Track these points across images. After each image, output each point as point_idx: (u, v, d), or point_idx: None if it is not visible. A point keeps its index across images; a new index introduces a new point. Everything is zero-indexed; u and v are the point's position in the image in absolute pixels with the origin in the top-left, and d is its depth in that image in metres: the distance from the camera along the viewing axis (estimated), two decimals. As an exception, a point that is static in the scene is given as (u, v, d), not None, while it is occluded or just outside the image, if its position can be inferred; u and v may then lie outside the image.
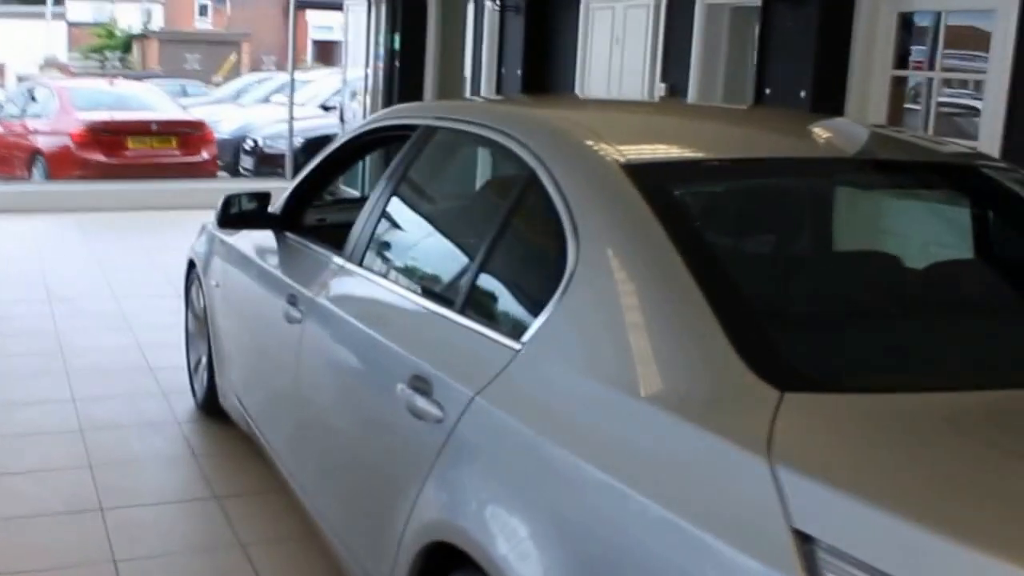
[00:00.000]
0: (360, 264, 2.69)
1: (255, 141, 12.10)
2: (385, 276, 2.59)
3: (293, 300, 2.94)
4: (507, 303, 2.14)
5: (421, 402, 2.12)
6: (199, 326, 4.29)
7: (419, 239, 2.68)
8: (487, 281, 2.20)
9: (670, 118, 2.61)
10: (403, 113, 3.07)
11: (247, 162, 12.10)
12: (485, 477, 1.88)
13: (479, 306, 2.17)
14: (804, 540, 1.33)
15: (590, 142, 2.16)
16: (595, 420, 1.70)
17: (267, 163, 11.66)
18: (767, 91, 5.60)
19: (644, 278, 1.80)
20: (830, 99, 5.17)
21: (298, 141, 10.55)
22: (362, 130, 3.14)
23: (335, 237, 3.07)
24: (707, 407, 1.58)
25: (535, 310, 1.96)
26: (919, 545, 1.24)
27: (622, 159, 2.04)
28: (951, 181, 2.31)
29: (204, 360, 4.17)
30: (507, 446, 1.85)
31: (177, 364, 4.68)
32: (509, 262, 2.21)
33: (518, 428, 1.83)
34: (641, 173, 2.00)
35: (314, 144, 10.04)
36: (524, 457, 1.80)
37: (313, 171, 3.35)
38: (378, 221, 2.71)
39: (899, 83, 5.10)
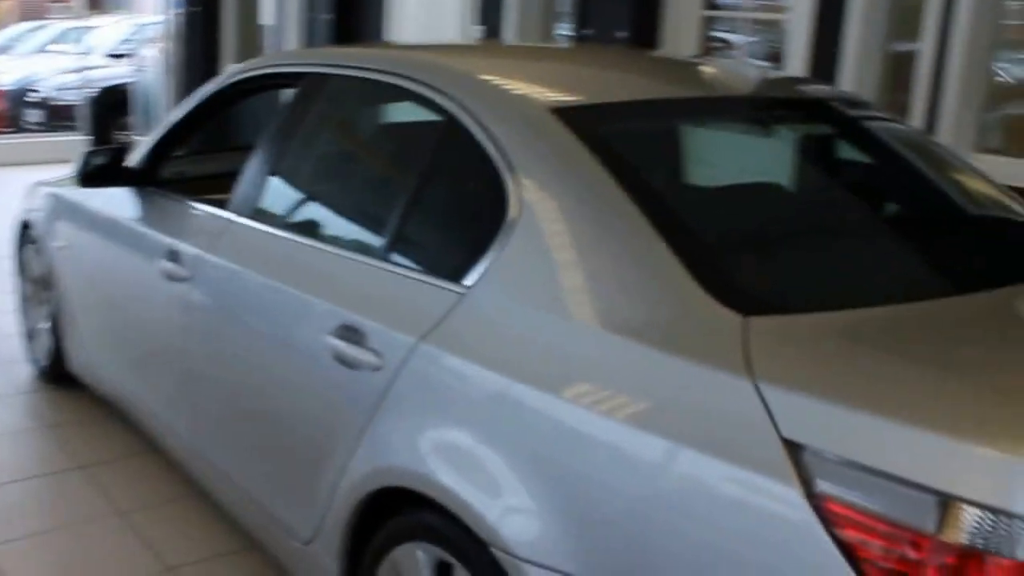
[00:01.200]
0: (258, 217, 2.60)
1: (41, 93, 11.24)
2: (291, 228, 2.52)
3: (175, 257, 2.81)
4: (440, 248, 2.14)
5: (353, 351, 2.10)
6: (36, 291, 4.02)
7: (325, 190, 2.61)
8: (415, 228, 2.18)
9: (566, 64, 2.64)
10: (283, 60, 2.96)
11: (33, 115, 11.22)
12: (443, 420, 1.89)
13: (408, 253, 2.16)
14: (793, 448, 1.44)
15: (514, 89, 2.18)
16: (563, 355, 1.74)
17: (57, 116, 10.86)
18: (587, 31, 5.77)
19: (594, 215, 1.85)
20: (647, 38, 5.42)
21: (91, 91, 9.88)
22: (232, 79, 3.01)
23: (212, 190, 2.95)
24: (676, 335, 1.65)
25: (475, 253, 1.97)
26: (895, 437, 1.37)
27: (548, 103, 2.09)
28: (830, 115, 2.49)
29: (46, 325, 3.92)
30: (465, 388, 1.86)
31: (7, 331, 4.37)
32: (437, 208, 2.21)
33: (477, 370, 1.84)
34: (569, 115, 2.05)
35: (110, 94, 9.45)
36: (486, 396, 1.82)
37: (177, 123, 3.18)
38: (273, 173, 2.63)
39: (710, 22, 5.35)
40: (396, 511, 2.08)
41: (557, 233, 1.87)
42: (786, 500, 1.42)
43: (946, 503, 1.33)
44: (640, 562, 1.57)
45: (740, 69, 2.56)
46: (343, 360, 2.14)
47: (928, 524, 1.33)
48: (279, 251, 2.48)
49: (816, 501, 1.40)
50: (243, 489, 2.62)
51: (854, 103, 2.59)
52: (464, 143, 2.11)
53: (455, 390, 1.88)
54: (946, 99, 3.78)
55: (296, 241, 2.46)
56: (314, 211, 2.54)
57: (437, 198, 2.21)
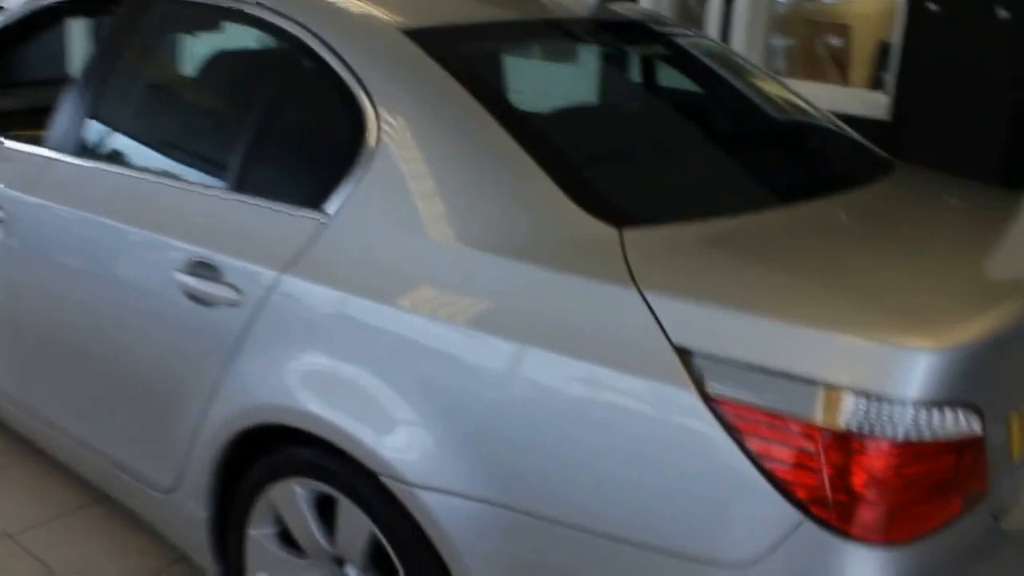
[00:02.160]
0: (84, 154, 2.40)
1: None
2: (123, 164, 2.34)
3: None
4: (297, 177, 2.04)
5: (207, 287, 2.00)
6: None
7: (159, 121, 2.43)
8: (266, 158, 2.07)
9: None
10: None
11: None
12: (315, 352, 1.83)
13: (261, 184, 2.05)
14: (683, 353, 1.47)
15: (361, 11, 2.09)
16: (440, 278, 1.71)
17: None
18: None
19: (459, 135, 1.81)
20: None
21: None
22: (37, 6, 2.73)
23: (17, 127, 2.70)
24: (555, 250, 1.65)
25: (335, 180, 1.90)
26: (776, 334, 1.43)
27: (398, 25, 2.02)
28: (655, 36, 2.53)
29: None
30: (336, 317, 1.80)
31: None
32: (290, 137, 2.10)
33: (347, 298, 1.79)
34: (421, 37, 1.99)
35: None
36: (358, 325, 1.77)
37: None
38: (98, 105, 2.42)
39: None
40: (268, 449, 2.01)
41: (422, 155, 1.82)
42: (682, 404, 1.46)
43: (828, 392, 1.40)
44: (537, 476, 1.58)
45: None
46: (195, 298, 2.03)
47: (814, 414, 1.40)
48: (110, 188, 2.30)
49: (710, 403, 1.45)
50: (88, 443, 2.47)
51: (670, 24, 2.65)
52: (314, 68, 2.02)
53: (325, 321, 1.82)
54: (734, 28, 4.01)
55: (130, 176, 2.29)
56: (148, 144, 2.37)
57: (289, 126, 2.10)
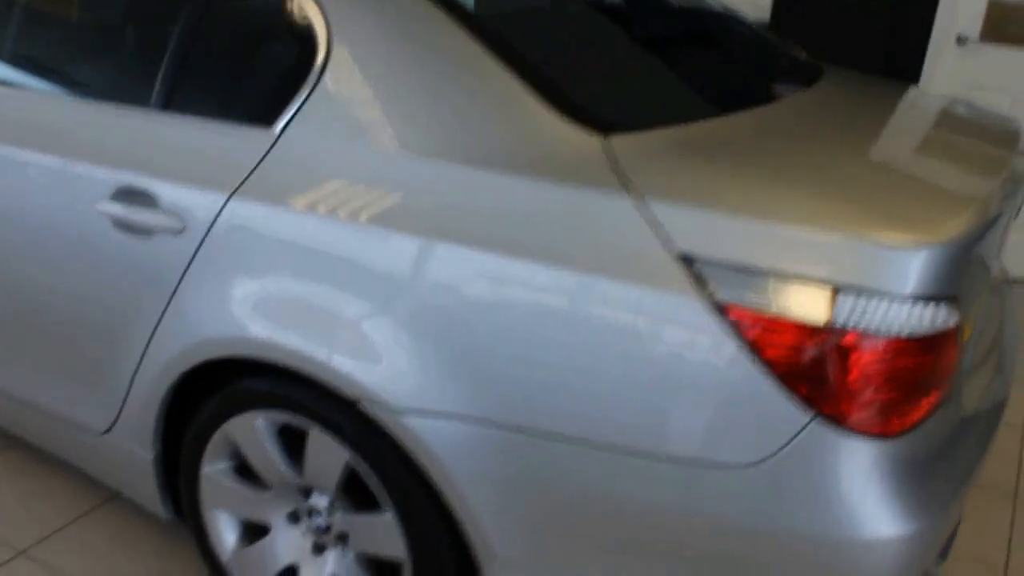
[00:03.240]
0: None
1: None
2: (19, 84, 2.13)
3: None
4: (234, 91, 1.89)
5: (143, 216, 1.87)
6: None
7: (65, 34, 2.20)
8: (198, 71, 1.91)
9: None
10: None
11: None
12: (275, 278, 1.73)
13: (193, 100, 1.90)
14: (687, 260, 1.47)
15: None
16: (408, 192, 1.64)
17: None
18: None
19: (422, 42, 1.72)
20: None
21: None
22: None
23: None
24: (542, 161, 1.59)
25: (280, 93, 1.79)
26: (777, 237, 1.44)
27: None
28: None
29: None
30: (296, 240, 1.71)
31: None
32: (224, 44, 1.94)
33: (306, 219, 1.70)
34: None
35: None
36: (321, 245, 1.68)
37: None
38: None
39: None
40: (218, 384, 1.93)
41: (382, 63, 1.72)
42: (685, 310, 1.46)
43: (830, 292, 1.42)
44: (531, 392, 1.56)
45: None
46: (128, 228, 1.89)
47: (817, 314, 1.43)
48: (7, 113, 2.10)
49: (714, 308, 1.45)
50: (9, 393, 2.30)
51: None
52: None
53: (283, 244, 1.72)
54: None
55: (32, 98, 2.09)
56: (53, 60, 2.15)
57: (225, 34, 1.94)
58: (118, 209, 1.90)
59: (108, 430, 2.10)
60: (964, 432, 1.73)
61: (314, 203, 1.70)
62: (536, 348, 1.54)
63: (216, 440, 1.93)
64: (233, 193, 1.78)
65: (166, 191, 1.85)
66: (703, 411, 1.47)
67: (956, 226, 1.47)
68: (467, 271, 1.58)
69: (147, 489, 2.11)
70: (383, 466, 1.71)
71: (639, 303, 1.48)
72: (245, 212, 1.76)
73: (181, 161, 1.85)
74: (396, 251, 1.62)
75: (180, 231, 1.83)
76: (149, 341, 1.92)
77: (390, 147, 1.67)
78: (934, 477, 1.57)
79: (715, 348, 1.46)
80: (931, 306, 1.44)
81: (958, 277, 1.48)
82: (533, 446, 1.57)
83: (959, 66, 4.07)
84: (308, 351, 1.68)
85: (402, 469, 1.69)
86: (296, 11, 1.82)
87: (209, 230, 1.80)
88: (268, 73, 1.84)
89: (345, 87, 1.74)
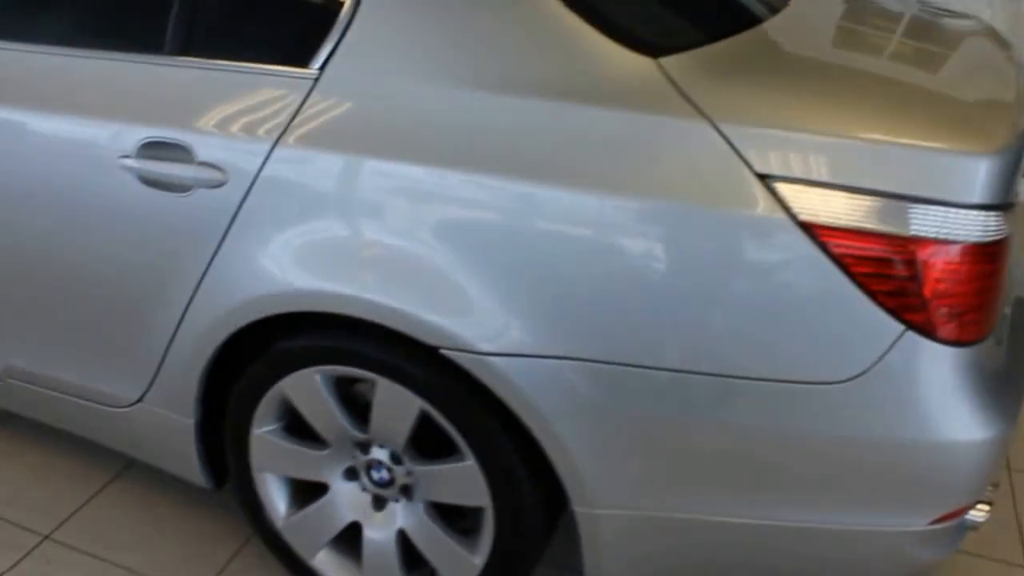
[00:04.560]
0: None
1: None
2: (19, 39, 1.97)
3: None
4: (263, 31, 1.77)
5: (175, 169, 1.76)
6: None
7: None
8: (216, 13, 1.79)
9: None
10: None
11: None
12: (335, 227, 1.64)
13: (216, 44, 1.78)
14: (767, 180, 1.45)
15: None
16: (470, 128, 1.57)
17: None
18: None
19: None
20: None
21: None
22: None
23: None
24: (596, 87, 1.54)
25: (315, 30, 1.69)
26: (853, 153, 1.43)
27: None
28: None
29: None
30: (356, 185, 1.62)
31: None
32: None
33: (366, 162, 1.61)
34: None
35: None
36: (388, 190, 1.61)
37: None
38: None
39: None
40: (266, 342, 1.84)
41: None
42: (773, 231, 1.44)
43: (912, 204, 1.43)
44: (621, 324, 1.52)
45: None
46: (159, 184, 1.78)
47: (902, 227, 1.43)
48: (13, 72, 1.94)
49: (801, 227, 1.45)
50: (25, 373, 2.16)
51: None
52: None
53: (343, 191, 1.64)
54: None
55: (36, 53, 1.93)
56: (57, 11, 1.99)
57: None
58: (145, 164, 1.78)
59: (139, 400, 1.99)
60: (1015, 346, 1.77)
61: (372, 145, 1.62)
62: (617, 280, 1.51)
63: (268, 400, 1.85)
64: (279, 139, 1.68)
65: (202, 142, 1.74)
66: (800, 331, 1.47)
67: (1004, 135, 1.49)
68: (549, 209, 1.53)
69: (185, 458, 2.02)
70: (463, 413, 1.66)
71: (727, 227, 1.46)
72: (290, 158, 1.67)
73: (214, 108, 1.75)
74: (471, 192, 1.56)
75: (220, 184, 1.74)
76: (189, 303, 1.82)
77: (442, 80, 1.60)
78: (1007, 385, 1.61)
79: (806, 267, 1.45)
80: (994, 214, 1.46)
81: (1012, 185, 1.51)
82: (630, 380, 1.55)
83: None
84: (383, 301, 1.62)
85: (485, 414, 1.65)
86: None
87: (255, 181, 1.71)
88: (297, 6, 1.74)
89: (385, 18, 1.65)
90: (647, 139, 1.50)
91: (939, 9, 2.32)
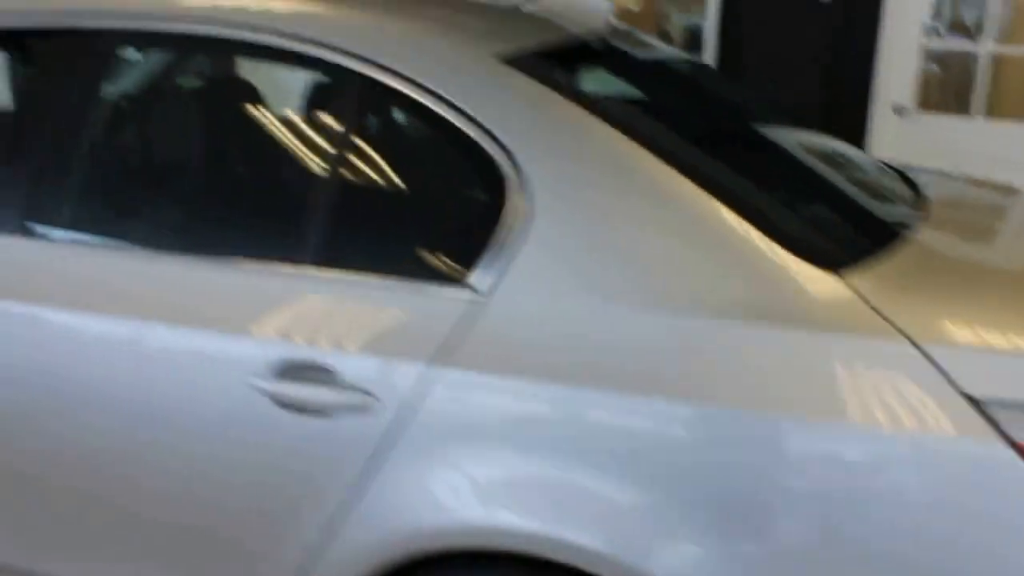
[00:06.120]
0: (48, 229, 1.87)
1: None
2: (130, 241, 1.84)
3: None
4: (408, 243, 1.71)
5: (317, 393, 1.65)
6: None
7: (190, 186, 1.90)
8: (359, 223, 1.72)
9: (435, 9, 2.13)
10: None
11: None
12: (506, 456, 1.55)
13: (356, 257, 1.69)
14: (975, 403, 1.42)
15: (441, 38, 1.78)
16: (656, 351, 1.51)
17: None
18: None
19: (631, 184, 1.61)
20: None
21: None
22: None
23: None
24: (790, 308, 1.51)
25: (473, 247, 1.63)
26: None
27: (497, 56, 1.75)
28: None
29: None
30: (533, 411, 1.55)
31: None
32: (388, 195, 1.76)
33: (542, 388, 1.54)
34: (524, 64, 1.74)
35: None
36: (566, 417, 1.53)
37: None
38: (70, 164, 1.86)
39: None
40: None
41: (591, 208, 1.59)
42: (994, 460, 1.41)
43: None
44: (836, 565, 1.46)
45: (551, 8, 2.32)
46: (296, 407, 1.67)
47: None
48: (122, 274, 1.80)
49: (1016, 449, 1.41)
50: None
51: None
52: (405, 109, 1.72)
53: (511, 416, 1.55)
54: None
55: (152, 257, 1.79)
56: (178, 214, 1.86)
57: (390, 184, 1.76)
58: (280, 386, 1.67)
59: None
60: None
61: (545, 368, 1.55)
62: (826, 517, 1.44)
63: None
64: (438, 362, 1.60)
65: (349, 364, 1.64)
66: (1016, 551, 1.42)
67: None
68: (742, 436, 1.47)
69: None
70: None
71: (936, 455, 1.42)
72: (457, 382, 1.59)
73: (362, 327, 1.65)
74: (656, 419, 1.50)
75: (367, 409, 1.63)
76: (323, 534, 1.69)
77: (617, 302, 1.55)
78: None
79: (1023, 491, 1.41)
80: None
81: None
82: None
83: (900, 135, 4.29)
84: (573, 539, 1.52)
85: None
86: (473, 149, 1.67)
87: (409, 406, 1.61)
88: (450, 222, 1.69)
89: (559, 238, 1.60)
90: (841, 361, 1.46)
91: None
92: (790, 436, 1.46)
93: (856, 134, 4.30)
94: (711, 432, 1.48)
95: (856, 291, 1.52)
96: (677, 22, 4.62)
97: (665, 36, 4.64)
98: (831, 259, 1.58)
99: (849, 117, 4.29)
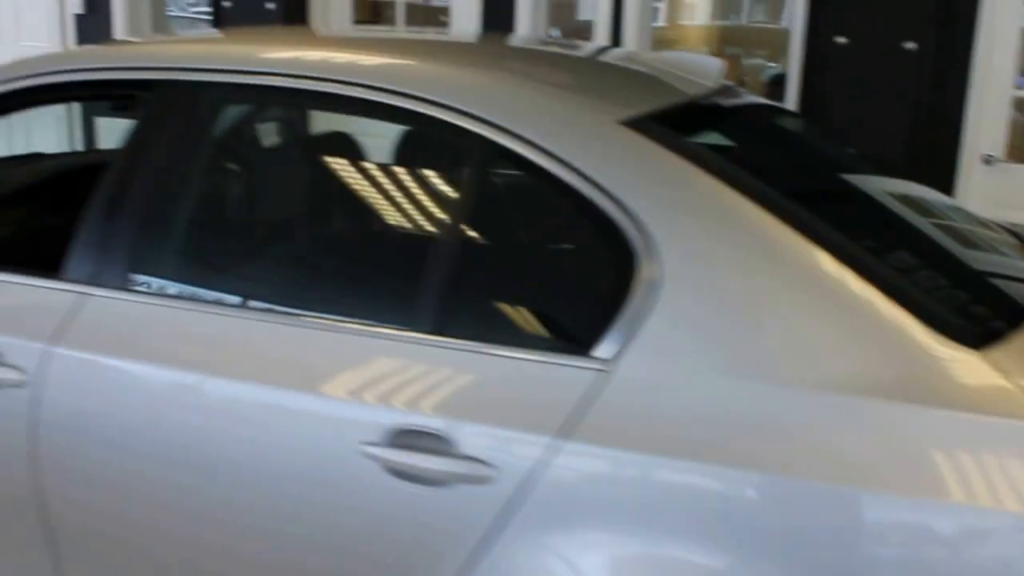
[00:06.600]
0: (184, 287, 1.86)
1: None
2: (234, 302, 1.84)
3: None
4: (529, 312, 1.68)
5: (432, 463, 1.61)
6: None
7: (294, 246, 1.91)
8: (482, 290, 1.70)
9: (555, 67, 2.10)
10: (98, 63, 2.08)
11: None
12: (631, 535, 1.51)
13: (478, 325, 1.67)
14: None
15: (559, 103, 1.75)
16: (792, 429, 1.46)
17: None
18: (226, 4, 5.41)
19: (765, 254, 1.56)
20: (296, 9, 5.30)
21: None
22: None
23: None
24: (926, 385, 1.45)
25: (599, 316, 1.59)
26: None
27: (614, 117, 1.71)
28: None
29: None
30: (661, 489, 1.50)
31: None
32: (507, 261, 1.73)
33: (670, 464, 1.49)
34: (644, 127, 1.71)
35: None
36: (700, 498, 1.48)
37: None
38: (169, 224, 1.88)
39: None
40: None
41: (723, 279, 1.54)
42: None
43: None
44: None
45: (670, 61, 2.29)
46: (410, 476, 1.63)
47: None
48: (217, 334, 1.79)
49: None
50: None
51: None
52: (532, 175, 1.68)
53: (640, 494, 1.51)
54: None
55: (270, 323, 1.79)
56: (285, 277, 1.85)
57: (508, 249, 1.73)
58: (395, 455, 1.63)
59: None
60: None
61: (675, 444, 1.49)
62: None
63: None
64: (562, 434, 1.55)
65: (467, 434, 1.60)
66: None
67: None
68: (880, 521, 1.40)
69: None
70: None
71: None
72: (581, 455, 1.54)
73: (479, 397, 1.61)
74: (801, 501, 1.43)
75: (486, 480, 1.59)
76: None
77: (745, 376, 1.50)
78: None
79: None
80: None
81: None
82: None
83: (987, 184, 4.18)
84: None
85: None
86: (599, 217, 1.63)
87: (530, 479, 1.56)
88: (575, 291, 1.64)
89: (688, 310, 1.55)
90: (991, 443, 1.39)
91: None
92: (955, 521, 1.38)
93: (945, 183, 4.20)
94: (856, 518, 1.41)
95: (1001, 371, 1.45)
96: (758, 70, 4.58)
97: (749, 85, 4.60)
98: (966, 333, 1.52)
99: (938, 166, 4.20)
